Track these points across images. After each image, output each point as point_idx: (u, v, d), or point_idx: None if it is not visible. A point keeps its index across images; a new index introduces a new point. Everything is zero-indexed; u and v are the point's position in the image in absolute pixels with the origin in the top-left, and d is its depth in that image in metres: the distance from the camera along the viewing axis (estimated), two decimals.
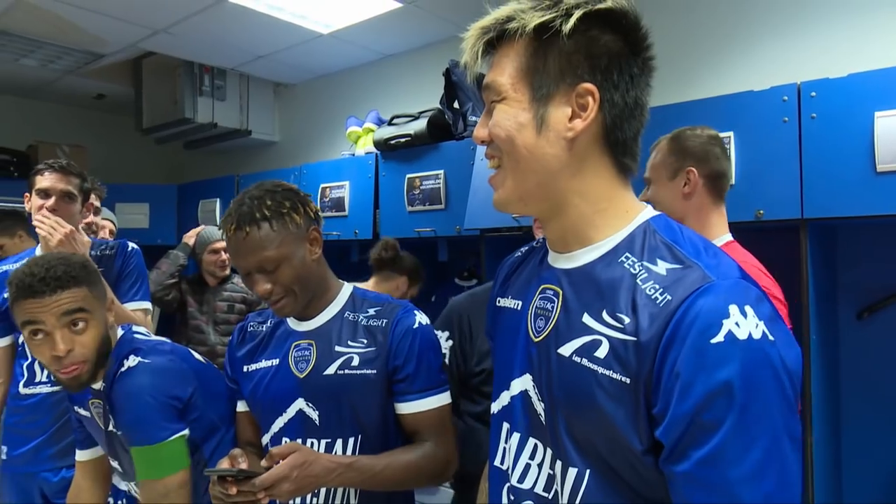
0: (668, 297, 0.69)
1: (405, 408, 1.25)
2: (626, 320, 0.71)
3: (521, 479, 0.83)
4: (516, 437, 0.85)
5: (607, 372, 0.71)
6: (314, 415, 1.23)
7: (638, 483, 0.72)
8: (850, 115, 1.73)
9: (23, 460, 1.94)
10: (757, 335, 0.65)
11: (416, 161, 2.81)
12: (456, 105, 2.81)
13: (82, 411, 1.44)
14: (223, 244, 3.11)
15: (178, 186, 4.22)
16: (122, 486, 1.49)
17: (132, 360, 1.34)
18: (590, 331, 0.74)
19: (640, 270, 0.73)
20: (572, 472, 0.76)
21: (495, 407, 0.91)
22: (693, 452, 0.65)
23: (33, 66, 3.67)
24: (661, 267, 0.73)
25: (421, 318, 1.28)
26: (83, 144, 4.13)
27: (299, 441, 1.21)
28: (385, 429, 1.26)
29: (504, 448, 0.88)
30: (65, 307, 1.25)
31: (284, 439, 1.24)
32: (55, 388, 1.89)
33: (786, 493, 0.64)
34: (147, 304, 2.11)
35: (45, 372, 1.90)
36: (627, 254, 0.76)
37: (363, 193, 3.01)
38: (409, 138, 2.81)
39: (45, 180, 1.95)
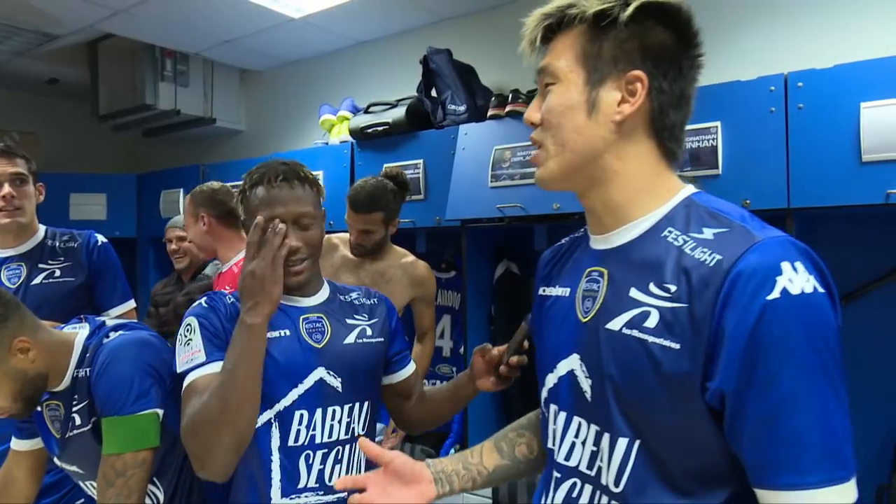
0: (719, 257, 0.71)
1: (404, 373, 1.42)
2: (673, 288, 0.74)
3: (568, 457, 0.86)
4: (563, 416, 0.88)
5: (658, 340, 0.74)
6: (336, 382, 1.26)
7: (686, 452, 0.74)
8: (837, 105, 1.74)
9: None
10: (809, 289, 0.68)
11: (394, 150, 2.75)
12: (434, 94, 2.76)
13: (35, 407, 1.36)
14: (177, 232, 2.94)
15: (137, 176, 4.04)
16: (84, 488, 1.42)
17: (114, 335, 1.32)
18: (638, 304, 0.77)
19: (685, 241, 0.76)
20: (622, 443, 0.78)
21: (543, 392, 0.94)
22: (755, 407, 0.68)
23: None
24: (708, 233, 0.75)
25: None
26: (35, 131, 3.92)
27: (319, 409, 1.24)
28: (378, 394, 1.39)
29: (552, 429, 0.91)
30: None
31: (300, 412, 1.23)
32: None
33: (846, 438, 0.69)
34: (132, 302, 2.03)
35: None
36: (670, 228, 0.79)
37: (338, 183, 2.92)
38: (386, 126, 2.75)
39: None
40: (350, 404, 1.28)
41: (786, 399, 0.67)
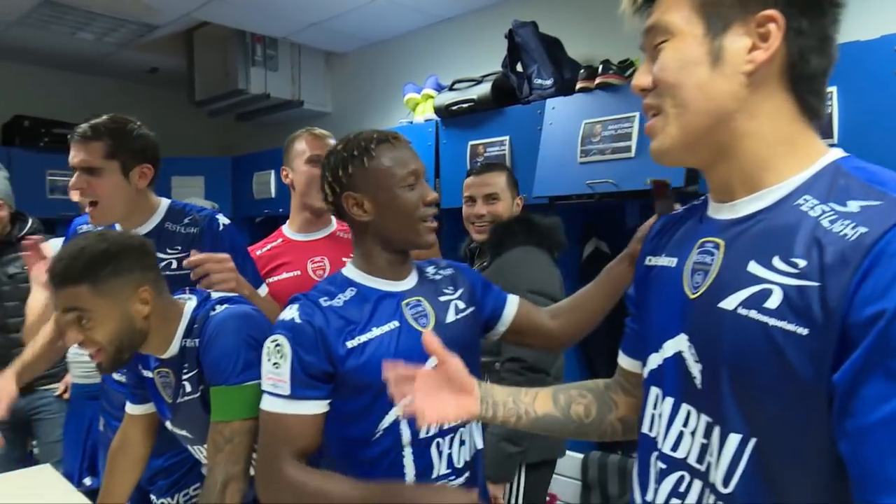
0: (864, 230, 0.59)
1: (509, 310, 1.37)
2: (803, 264, 0.63)
3: (675, 448, 0.77)
4: (669, 402, 0.78)
5: (780, 323, 0.63)
6: None
7: (806, 457, 0.63)
8: None
9: None
10: None
11: (480, 127, 2.72)
12: (519, 68, 2.71)
13: (147, 373, 1.46)
14: None
15: (231, 159, 4.23)
16: (193, 452, 1.50)
17: (220, 307, 1.37)
18: (757, 280, 0.66)
19: (823, 212, 0.64)
20: (733, 440, 0.68)
21: (645, 371, 0.85)
22: (870, 402, 0.56)
23: (89, 40, 3.69)
24: (853, 206, 0.63)
25: None
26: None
27: None
28: (479, 366, 1.37)
29: (653, 414, 0.82)
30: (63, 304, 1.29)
31: None
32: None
33: None
34: (265, 287, 1.77)
35: None
36: (807, 196, 0.67)
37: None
38: (471, 103, 2.72)
39: (71, 155, 1.61)
40: None
41: None
